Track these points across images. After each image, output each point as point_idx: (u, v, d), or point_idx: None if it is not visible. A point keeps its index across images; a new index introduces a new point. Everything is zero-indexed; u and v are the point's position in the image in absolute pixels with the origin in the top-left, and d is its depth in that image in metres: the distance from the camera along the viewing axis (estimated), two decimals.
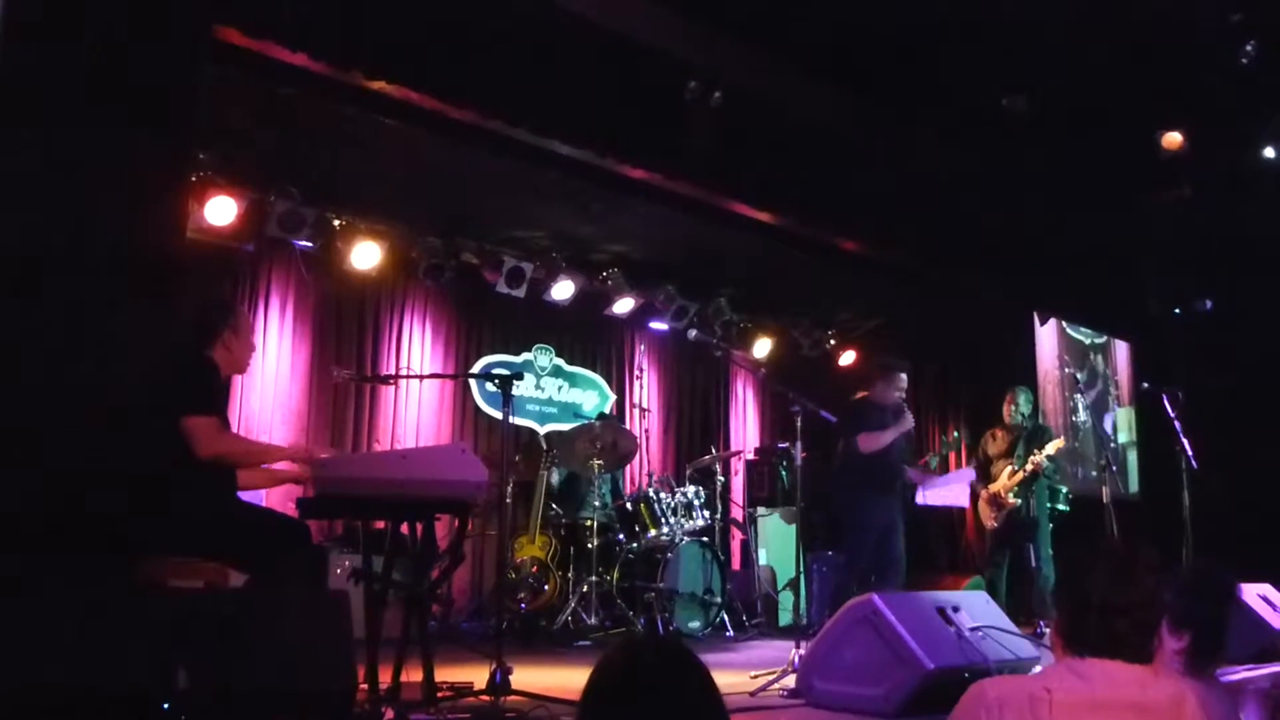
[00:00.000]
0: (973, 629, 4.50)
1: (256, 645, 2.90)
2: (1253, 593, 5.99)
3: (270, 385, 7.72)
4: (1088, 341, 10.43)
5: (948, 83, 6.68)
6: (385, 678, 3.99)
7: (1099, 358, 10.56)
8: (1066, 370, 9.95)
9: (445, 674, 4.48)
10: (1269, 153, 7.45)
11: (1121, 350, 10.82)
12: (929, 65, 6.53)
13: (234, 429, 6.64)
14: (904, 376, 6.61)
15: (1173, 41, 6.43)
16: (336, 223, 7.75)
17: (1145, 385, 7.47)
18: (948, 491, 7.81)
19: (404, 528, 4.24)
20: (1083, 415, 10.01)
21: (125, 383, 3.45)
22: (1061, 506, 8.14)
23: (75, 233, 3.41)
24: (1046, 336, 9.76)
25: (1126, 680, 1.99)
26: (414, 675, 4.02)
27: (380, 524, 4.67)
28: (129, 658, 2.68)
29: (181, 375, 3.87)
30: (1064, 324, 10.03)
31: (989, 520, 7.78)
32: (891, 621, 4.38)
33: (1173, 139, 7.34)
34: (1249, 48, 6.37)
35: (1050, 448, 7.48)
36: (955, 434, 9.38)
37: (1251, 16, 6.23)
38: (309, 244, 7.74)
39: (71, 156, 3.44)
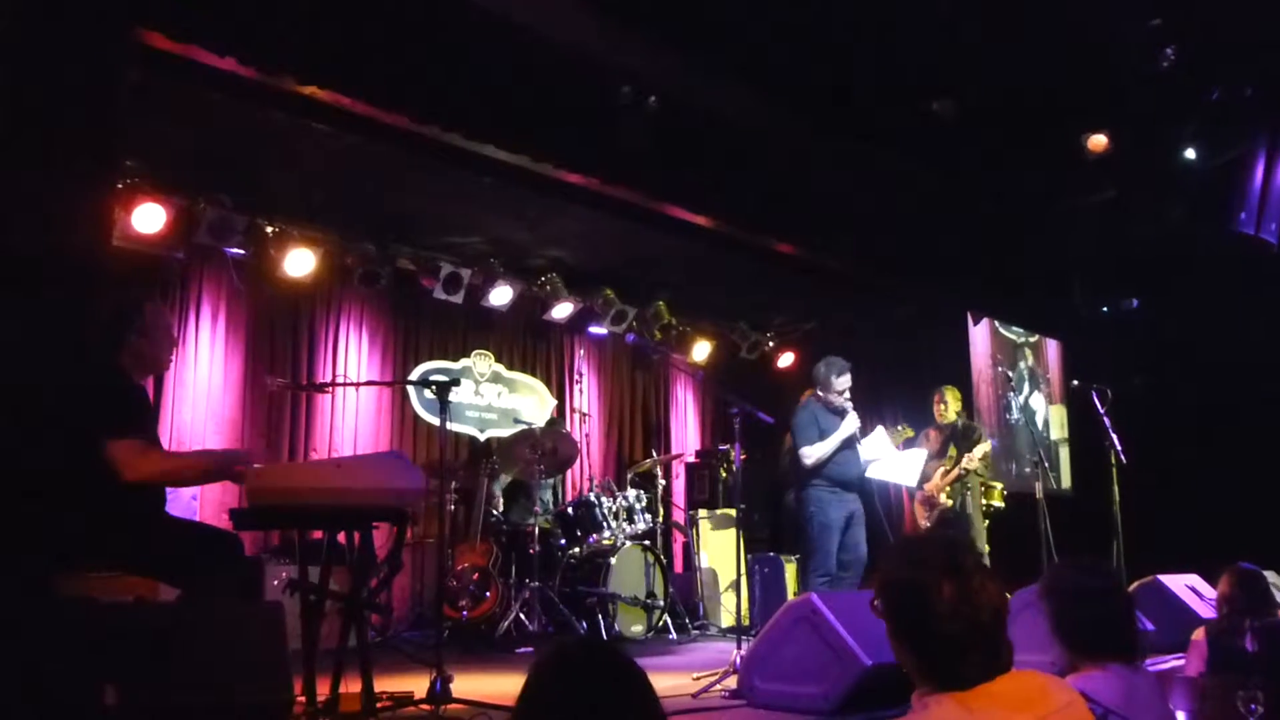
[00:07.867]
0: None
1: (190, 659, 2.85)
2: (1180, 583, 6.15)
3: (203, 395, 7.58)
4: (1019, 340, 10.61)
5: (879, 86, 6.77)
6: (324, 689, 3.94)
7: (1031, 356, 10.75)
8: (999, 369, 10.11)
9: (385, 684, 4.43)
10: (1190, 154, 7.64)
11: (1052, 348, 11.02)
12: (860, 70, 6.61)
13: (165, 441, 6.50)
14: (848, 377, 6.66)
15: (1096, 46, 6.58)
16: (269, 229, 7.62)
17: (1075, 383, 7.61)
18: (898, 465, 7.61)
19: (341, 537, 4.19)
20: (1015, 413, 10.18)
21: (44, 394, 3.36)
22: (997, 503, 8.27)
23: None
24: (979, 336, 9.91)
25: (1019, 701, 1.82)
26: (353, 686, 3.97)
27: (317, 534, 4.62)
28: (56, 674, 2.62)
29: (96, 395, 3.64)
30: (996, 323, 10.20)
31: (923, 520, 7.87)
32: (830, 620, 4.42)
33: (1098, 141, 7.49)
34: (1169, 52, 6.55)
35: (978, 452, 7.58)
36: (900, 427, 9.43)
37: (1169, 22, 6.39)
38: (241, 251, 7.62)
39: None
